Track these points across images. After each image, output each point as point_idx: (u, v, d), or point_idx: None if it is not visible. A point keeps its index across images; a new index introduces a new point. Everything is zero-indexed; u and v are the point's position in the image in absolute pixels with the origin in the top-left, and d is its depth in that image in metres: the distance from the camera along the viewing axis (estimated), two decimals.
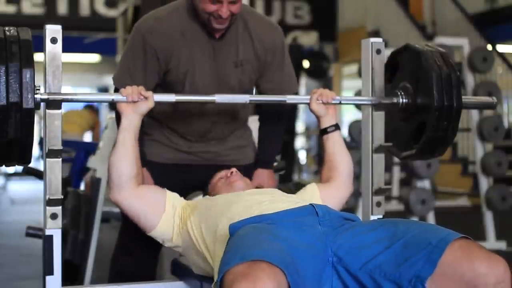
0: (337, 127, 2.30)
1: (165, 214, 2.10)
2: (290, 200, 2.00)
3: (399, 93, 2.23)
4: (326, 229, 1.80)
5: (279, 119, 2.58)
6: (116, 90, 2.40)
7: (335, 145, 2.29)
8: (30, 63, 1.81)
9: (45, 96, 1.93)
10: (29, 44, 1.82)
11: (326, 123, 2.29)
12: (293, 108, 7.73)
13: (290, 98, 2.28)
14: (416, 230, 1.73)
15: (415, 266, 1.64)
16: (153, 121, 2.48)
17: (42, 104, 1.93)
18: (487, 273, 1.57)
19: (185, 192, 2.57)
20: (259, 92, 2.54)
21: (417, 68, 2.17)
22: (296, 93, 2.60)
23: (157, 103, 2.43)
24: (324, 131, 2.29)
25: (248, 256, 1.57)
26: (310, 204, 1.92)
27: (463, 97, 2.14)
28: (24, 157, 1.87)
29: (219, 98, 2.17)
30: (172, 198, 2.14)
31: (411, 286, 1.64)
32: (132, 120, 2.10)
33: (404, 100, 2.22)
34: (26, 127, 1.80)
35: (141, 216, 2.10)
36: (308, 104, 2.28)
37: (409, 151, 2.26)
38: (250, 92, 2.52)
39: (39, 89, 1.89)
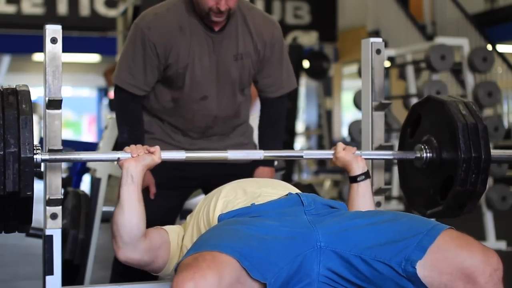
0: (367, 175, 2.12)
1: (171, 255, 2.00)
2: (275, 193, 1.98)
3: (422, 147, 2.13)
4: (311, 218, 1.81)
5: (279, 116, 2.57)
6: (117, 88, 2.41)
7: (360, 197, 2.11)
8: (28, 113, 1.73)
9: (46, 156, 1.86)
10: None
11: (356, 170, 2.11)
12: (293, 108, 7.73)
13: (307, 154, 2.19)
14: (404, 218, 1.79)
15: (405, 251, 1.68)
16: (154, 119, 2.48)
17: (42, 104, 1.92)
18: (485, 261, 1.63)
19: (187, 191, 2.57)
20: (258, 89, 2.54)
21: (440, 119, 2.08)
22: (296, 89, 2.60)
23: (156, 101, 2.45)
24: (353, 179, 2.12)
25: (202, 247, 1.63)
26: (296, 193, 1.93)
27: (492, 151, 2.03)
28: (24, 216, 1.76)
29: (232, 154, 2.08)
30: (174, 234, 2.03)
31: (401, 269, 1.67)
32: (135, 173, 1.90)
33: (428, 155, 2.12)
34: (24, 180, 1.70)
35: (150, 265, 1.98)
36: (331, 158, 2.15)
37: (435, 208, 2.12)
38: (248, 88, 2.53)
39: (39, 148, 1.82)
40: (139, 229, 1.89)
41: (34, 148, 1.75)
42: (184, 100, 2.39)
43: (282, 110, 2.57)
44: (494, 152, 2.09)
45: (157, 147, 1.97)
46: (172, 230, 2.04)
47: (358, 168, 2.11)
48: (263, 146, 2.55)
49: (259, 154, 2.15)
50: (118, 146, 2.50)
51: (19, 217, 1.78)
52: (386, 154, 2.23)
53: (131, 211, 1.88)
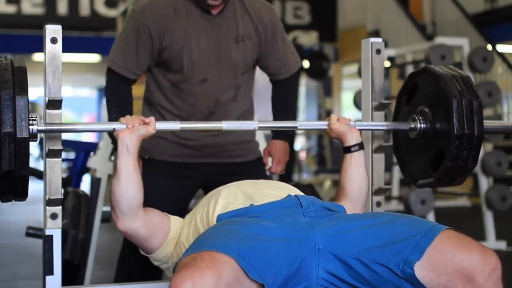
0: (361, 146, 2.13)
1: (167, 239, 2.02)
2: (274, 195, 1.99)
3: (417, 118, 2.13)
4: (310, 220, 1.81)
5: (291, 90, 2.64)
6: (109, 70, 2.41)
7: (354, 167, 2.11)
8: (24, 92, 1.72)
9: (42, 127, 1.86)
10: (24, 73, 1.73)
11: (350, 141, 2.11)
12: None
13: (302, 124, 2.20)
14: (402, 219, 1.79)
15: (403, 252, 1.68)
16: (156, 115, 2.48)
17: (42, 104, 1.92)
18: (484, 261, 1.63)
19: (190, 190, 2.56)
20: (268, 73, 2.60)
21: (436, 93, 2.07)
22: (300, 65, 2.65)
23: (158, 88, 2.46)
24: (347, 150, 2.12)
25: (200, 247, 1.63)
26: (295, 195, 1.93)
27: (484, 121, 2.03)
28: (19, 192, 1.78)
29: (227, 124, 2.09)
30: (176, 222, 2.06)
31: (400, 270, 1.67)
32: (130, 144, 1.93)
33: (422, 125, 2.11)
34: (20, 159, 1.70)
35: (145, 241, 2.00)
36: (325, 128, 2.15)
37: (426, 180, 2.14)
38: (252, 70, 2.54)
39: (35, 119, 1.82)
40: (136, 198, 1.93)
41: (30, 119, 1.76)
42: (185, 83, 2.40)
43: (294, 85, 2.65)
44: (488, 123, 2.10)
45: (152, 118, 1.99)
46: (175, 219, 2.06)
47: (352, 138, 2.12)
48: (275, 118, 2.62)
49: (253, 125, 2.16)
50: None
51: (15, 193, 1.80)
52: (381, 125, 2.23)
53: (127, 181, 1.91)
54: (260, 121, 2.18)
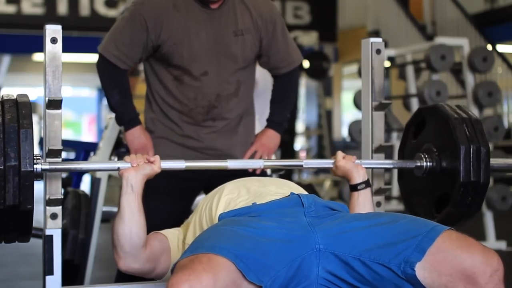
0: (367, 184, 2.10)
1: (172, 258, 1.99)
2: (278, 192, 1.98)
3: (423, 156, 2.13)
4: (311, 220, 1.80)
5: (292, 85, 2.64)
6: (100, 56, 2.42)
7: (361, 205, 2.09)
8: (29, 126, 1.72)
9: (46, 166, 1.85)
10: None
11: (356, 178, 2.09)
12: (293, 108, 7.74)
13: (307, 163, 2.19)
14: (404, 219, 1.78)
15: (404, 253, 1.67)
16: (157, 115, 2.48)
17: (42, 104, 1.92)
18: (486, 262, 1.63)
19: (191, 193, 2.56)
20: (270, 67, 2.60)
21: (444, 135, 2.06)
22: (301, 61, 2.65)
23: (161, 84, 2.46)
24: (354, 188, 2.10)
25: (198, 249, 1.63)
26: (297, 194, 1.92)
27: (491, 160, 2.02)
28: (23, 228, 1.78)
29: (232, 164, 2.09)
30: (173, 237, 2.03)
31: (400, 271, 1.67)
32: (134, 183, 1.90)
33: (428, 164, 2.11)
34: (24, 193, 1.70)
35: (151, 272, 1.98)
36: (331, 167, 2.14)
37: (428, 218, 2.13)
38: (252, 64, 2.55)
39: (39, 158, 1.82)
40: (139, 238, 1.89)
41: (34, 158, 1.75)
42: (186, 77, 2.42)
43: (294, 80, 2.64)
44: (494, 162, 2.09)
45: (156, 157, 1.97)
46: (172, 235, 2.03)
47: (358, 176, 2.10)
48: (274, 111, 2.62)
49: (258, 164, 2.17)
50: (111, 108, 2.48)
51: (19, 229, 1.79)
52: (386, 163, 2.23)
53: (131, 221, 1.87)
54: (266, 160, 2.20)
